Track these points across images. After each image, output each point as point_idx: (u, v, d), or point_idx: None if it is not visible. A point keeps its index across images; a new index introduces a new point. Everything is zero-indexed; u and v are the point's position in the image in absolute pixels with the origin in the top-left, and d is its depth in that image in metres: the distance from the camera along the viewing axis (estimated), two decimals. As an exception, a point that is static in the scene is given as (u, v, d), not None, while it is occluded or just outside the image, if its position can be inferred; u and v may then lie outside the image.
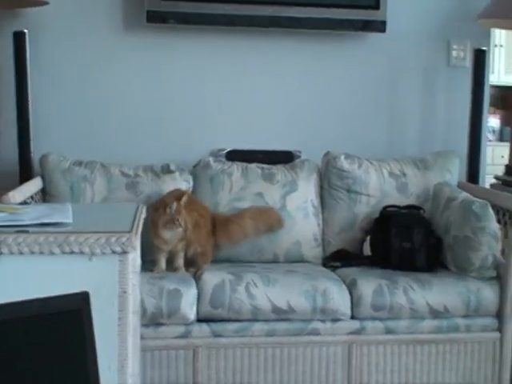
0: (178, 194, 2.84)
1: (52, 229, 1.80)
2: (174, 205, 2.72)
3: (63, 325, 1.41)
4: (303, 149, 3.47)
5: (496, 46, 5.71)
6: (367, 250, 3.04)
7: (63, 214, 1.95)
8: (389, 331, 2.71)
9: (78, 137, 3.37)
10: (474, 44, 3.60)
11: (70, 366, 1.41)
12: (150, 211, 2.81)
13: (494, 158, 5.09)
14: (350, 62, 3.56)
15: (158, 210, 2.75)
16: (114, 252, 1.76)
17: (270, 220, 3.01)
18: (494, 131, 5.56)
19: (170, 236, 2.76)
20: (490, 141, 5.53)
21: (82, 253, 1.75)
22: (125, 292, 1.77)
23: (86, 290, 1.45)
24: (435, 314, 2.72)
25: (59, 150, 3.20)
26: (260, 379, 2.64)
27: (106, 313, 1.74)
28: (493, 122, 5.61)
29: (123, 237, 1.76)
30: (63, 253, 1.73)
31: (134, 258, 1.89)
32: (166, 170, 3.11)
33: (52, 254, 1.73)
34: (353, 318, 2.70)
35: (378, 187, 3.19)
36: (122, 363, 1.74)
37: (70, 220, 1.90)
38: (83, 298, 1.47)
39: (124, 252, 1.76)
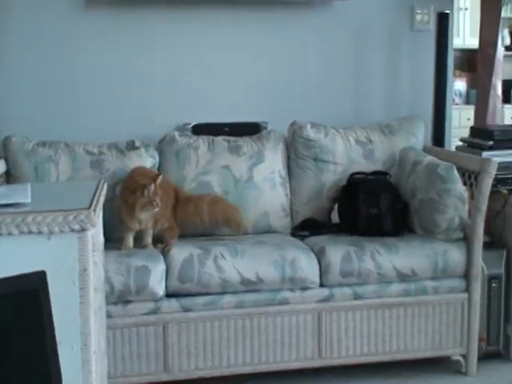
0: (153, 176, 2.81)
1: (10, 209, 1.77)
2: (152, 187, 2.71)
3: (20, 305, 1.40)
4: (270, 120, 3.45)
5: (461, 9, 5.71)
6: (335, 217, 3.05)
7: (22, 194, 1.92)
8: (357, 297, 2.73)
9: (41, 117, 3.32)
10: (438, 8, 3.59)
11: (28, 345, 1.40)
12: (123, 193, 2.78)
13: (460, 120, 5.12)
14: (315, 30, 3.53)
15: (135, 193, 2.72)
16: (72, 230, 1.74)
17: (228, 217, 2.94)
18: (460, 94, 5.57)
19: (146, 217, 2.75)
20: (456, 104, 5.56)
21: (40, 232, 1.73)
22: (85, 270, 1.75)
23: (46, 269, 1.44)
24: (403, 277, 2.74)
25: (22, 131, 3.15)
26: (231, 351, 2.65)
27: (67, 291, 1.73)
28: (459, 85, 5.62)
29: (81, 214, 1.74)
30: (21, 233, 1.71)
31: (95, 235, 1.88)
32: (131, 146, 3.08)
33: (10, 234, 1.71)
34: (322, 285, 2.71)
35: (345, 155, 3.19)
36: (84, 341, 1.74)
37: (28, 200, 1.87)
38: (40, 278, 1.45)
39: (83, 229, 1.74)
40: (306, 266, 2.68)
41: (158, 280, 2.57)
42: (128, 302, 2.57)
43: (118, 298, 2.54)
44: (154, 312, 2.59)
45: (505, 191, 2.99)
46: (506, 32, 6.15)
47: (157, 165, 3.08)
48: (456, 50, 5.61)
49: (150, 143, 3.12)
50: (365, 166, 3.18)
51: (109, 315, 2.47)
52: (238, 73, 3.48)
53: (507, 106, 5.07)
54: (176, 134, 3.16)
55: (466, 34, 5.62)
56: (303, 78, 3.55)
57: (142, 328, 2.58)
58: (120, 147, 3.07)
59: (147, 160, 3.05)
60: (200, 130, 3.33)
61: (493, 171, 2.81)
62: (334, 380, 2.79)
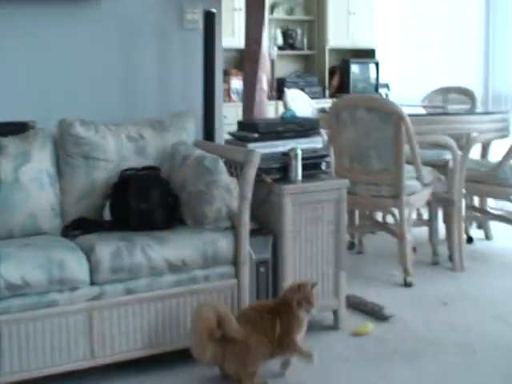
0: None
1: None
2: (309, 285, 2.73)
3: None
4: (39, 118, 3.33)
5: (235, 9, 5.90)
6: (108, 215, 3.02)
7: None
8: (129, 292, 2.71)
9: None
10: (206, 6, 3.67)
11: None
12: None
13: (238, 117, 5.28)
14: (82, 27, 3.46)
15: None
16: None
17: None
18: (237, 92, 5.76)
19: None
20: (233, 101, 5.77)
21: None
22: None
23: None
24: (174, 268, 2.77)
25: None
26: (-2, 360, 2.51)
27: None
28: (236, 83, 5.80)
29: None
30: None
31: None
32: None
33: None
34: (92, 283, 2.66)
35: (116, 151, 3.15)
36: None
37: None
38: None
39: None
40: (75, 265, 2.62)
41: None
42: None
43: None
44: None
45: (269, 180, 3.12)
46: (278, 32, 6.48)
47: None
48: (232, 49, 5.83)
49: None
50: (137, 162, 3.17)
51: None
52: (5, 71, 3.32)
53: (280, 102, 5.33)
54: None
55: (241, 34, 5.81)
56: (73, 75, 3.48)
57: None
58: None
59: None
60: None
61: (256, 161, 2.94)
62: (108, 379, 2.73)
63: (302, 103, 4.91)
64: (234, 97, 5.92)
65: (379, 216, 4.53)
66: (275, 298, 2.94)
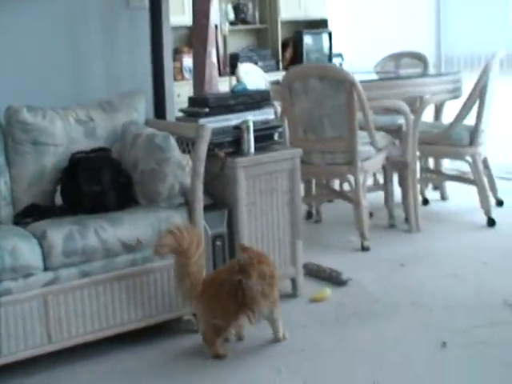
0: None
1: None
2: None
3: None
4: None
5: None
6: (59, 200, 3.00)
7: None
8: (84, 274, 2.70)
9: None
10: (152, -17, 3.63)
11: None
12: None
13: (191, 95, 5.26)
14: (25, 10, 3.39)
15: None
16: None
17: None
18: (190, 70, 5.70)
19: None
20: (186, 79, 5.75)
21: None
22: None
23: None
24: (129, 248, 2.77)
25: None
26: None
27: None
28: (189, 61, 5.72)
29: None
30: None
31: None
32: None
33: None
34: (46, 269, 2.65)
35: (65, 135, 3.13)
36: None
37: None
38: None
39: None
40: (27, 252, 2.60)
41: None
42: None
43: None
44: None
45: (222, 154, 3.12)
46: (229, 7, 6.42)
47: None
48: (183, 27, 5.78)
49: None
50: (87, 145, 3.14)
51: None
52: None
53: (234, 77, 5.31)
54: None
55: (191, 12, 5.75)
56: (19, 60, 3.40)
57: None
58: None
59: None
60: None
61: (207, 136, 2.93)
62: (65, 363, 2.73)
63: (255, 77, 4.89)
64: (186, 75, 5.88)
65: (336, 184, 4.58)
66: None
